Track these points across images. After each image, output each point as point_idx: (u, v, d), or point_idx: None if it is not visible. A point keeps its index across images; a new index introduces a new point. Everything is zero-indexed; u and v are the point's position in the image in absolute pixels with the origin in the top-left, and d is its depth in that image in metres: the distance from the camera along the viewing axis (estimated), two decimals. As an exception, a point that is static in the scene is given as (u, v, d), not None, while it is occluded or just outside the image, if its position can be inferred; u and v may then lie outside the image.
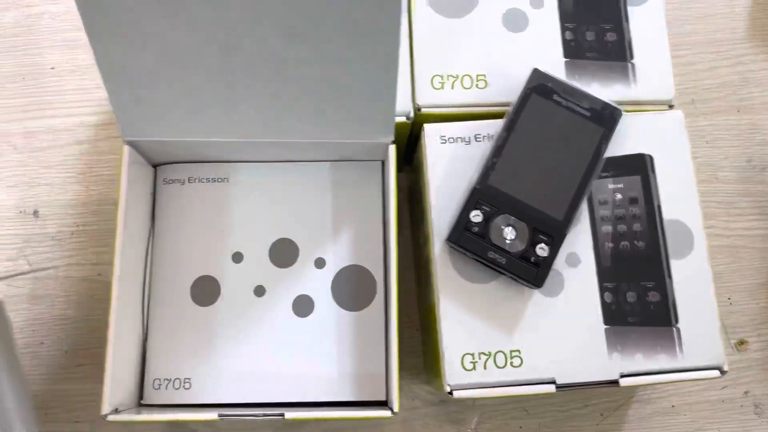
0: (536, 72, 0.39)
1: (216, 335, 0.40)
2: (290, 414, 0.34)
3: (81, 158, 0.51)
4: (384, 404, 0.38)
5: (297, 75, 0.32)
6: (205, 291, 0.41)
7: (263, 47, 0.30)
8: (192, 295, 0.41)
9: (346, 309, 0.41)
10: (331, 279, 0.41)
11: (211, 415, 0.33)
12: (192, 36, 0.30)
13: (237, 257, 0.41)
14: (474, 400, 0.48)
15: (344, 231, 0.42)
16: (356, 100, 0.34)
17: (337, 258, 0.42)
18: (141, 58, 0.31)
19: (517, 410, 0.48)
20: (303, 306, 0.41)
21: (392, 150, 0.38)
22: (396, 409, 0.34)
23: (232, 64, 0.31)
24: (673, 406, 0.49)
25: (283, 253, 0.42)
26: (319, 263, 0.41)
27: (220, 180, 0.43)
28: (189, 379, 0.39)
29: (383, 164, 0.46)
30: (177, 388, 0.39)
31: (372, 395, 0.39)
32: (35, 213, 0.50)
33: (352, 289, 0.41)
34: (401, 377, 0.46)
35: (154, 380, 0.39)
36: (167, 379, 0.39)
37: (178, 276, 0.41)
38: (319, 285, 0.41)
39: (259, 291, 0.41)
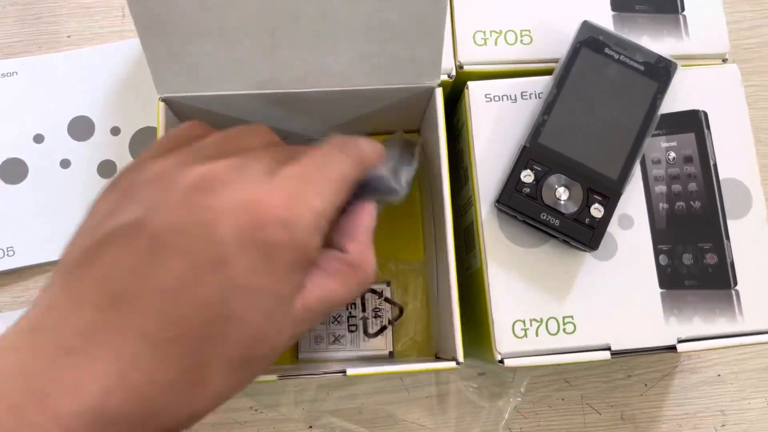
0: (586, 24, 0.37)
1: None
2: (352, 370, 0.32)
3: (101, 129, 0.49)
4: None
5: (341, 15, 0.30)
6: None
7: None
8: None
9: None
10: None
11: (271, 376, 0.32)
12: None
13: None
14: (514, 371, 0.46)
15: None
16: (402, 41, 0.32)
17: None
18: (178, 5, 0.29)
19: (558, 382, 0.47)
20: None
21: (439, 93, 0.36)
22: (461, 359, 0.33)
23: (273, 8, 0.29)
24: (719, 375, 0.47)
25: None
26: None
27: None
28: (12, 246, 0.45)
29: (419, 132, 0.44)
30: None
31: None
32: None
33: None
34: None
35: None
36: None
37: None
38: None
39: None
